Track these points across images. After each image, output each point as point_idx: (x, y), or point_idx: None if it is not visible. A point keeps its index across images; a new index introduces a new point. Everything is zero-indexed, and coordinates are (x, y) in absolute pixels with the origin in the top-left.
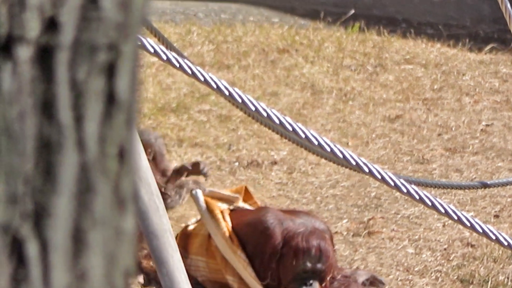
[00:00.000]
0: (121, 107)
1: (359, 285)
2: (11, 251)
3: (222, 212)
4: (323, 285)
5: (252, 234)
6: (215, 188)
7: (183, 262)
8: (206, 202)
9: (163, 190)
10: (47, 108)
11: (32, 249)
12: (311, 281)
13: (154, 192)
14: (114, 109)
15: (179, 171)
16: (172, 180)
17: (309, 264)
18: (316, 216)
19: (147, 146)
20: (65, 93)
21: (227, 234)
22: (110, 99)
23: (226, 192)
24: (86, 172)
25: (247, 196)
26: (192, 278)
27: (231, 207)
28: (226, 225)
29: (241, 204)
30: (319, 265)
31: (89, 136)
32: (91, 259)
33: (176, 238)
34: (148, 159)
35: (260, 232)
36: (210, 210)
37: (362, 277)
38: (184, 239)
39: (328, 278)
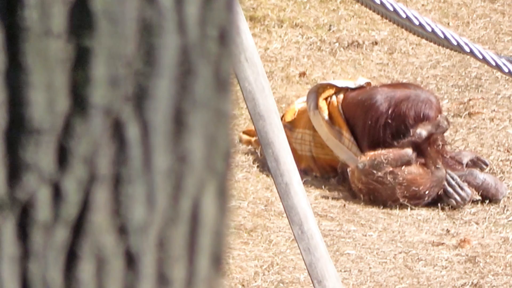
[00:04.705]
0: None
1: (463, 167)
2: (112, 133)
3: (326, 98)
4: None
5: (360, 108)
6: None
7: (289, 135)
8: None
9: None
10: None
11: (133, 131)
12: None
13: (260, 72)
14: None
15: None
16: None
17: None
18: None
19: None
20: None
21: (326, 117)
22: None
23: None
24: (186, 54)
25: None
26: (297, 158)
27: (353, 86)
28: (330, 107)
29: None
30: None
31: (190, 18)
32: (191, 141)
33: (281, 118)
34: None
35: (368, 105)
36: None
37: (466, 158)
38: (292, 114)
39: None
